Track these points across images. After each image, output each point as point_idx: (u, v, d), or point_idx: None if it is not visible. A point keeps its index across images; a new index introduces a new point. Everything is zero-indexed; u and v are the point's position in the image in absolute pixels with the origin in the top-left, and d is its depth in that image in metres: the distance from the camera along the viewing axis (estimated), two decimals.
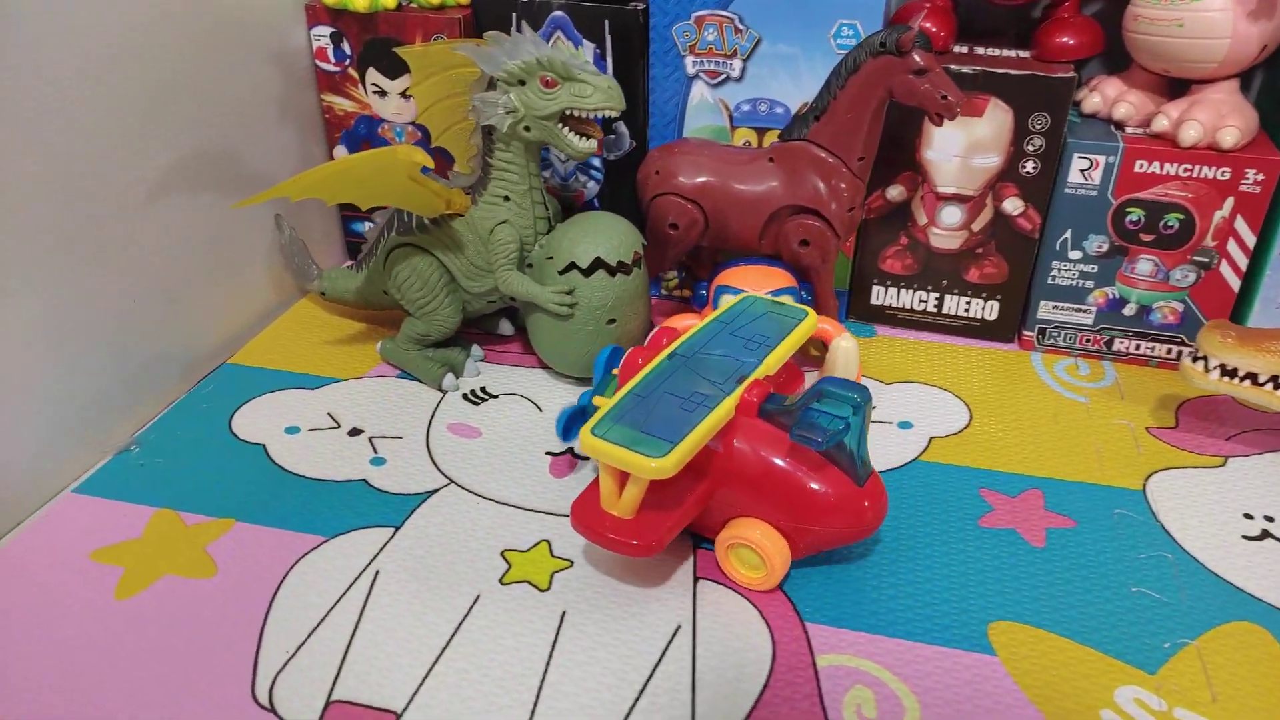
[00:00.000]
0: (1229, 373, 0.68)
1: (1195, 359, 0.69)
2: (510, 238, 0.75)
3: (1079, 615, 0.59)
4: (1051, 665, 0.55)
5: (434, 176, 0.74)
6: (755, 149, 0.80)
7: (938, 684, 0.54)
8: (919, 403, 0.79)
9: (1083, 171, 0.77)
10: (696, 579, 0.62)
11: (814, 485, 0.57)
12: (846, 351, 0.74)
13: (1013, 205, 0.81)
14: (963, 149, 0.79)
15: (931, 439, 0.75)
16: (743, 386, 0.60)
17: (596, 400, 0.63)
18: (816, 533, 0.58)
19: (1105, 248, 0.80)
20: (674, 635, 0.57)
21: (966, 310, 0.87)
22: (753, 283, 0.75)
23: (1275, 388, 0.67)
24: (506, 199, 0.75)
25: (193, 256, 0.81)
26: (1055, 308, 0.84)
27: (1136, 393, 0.80)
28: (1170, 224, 0.77)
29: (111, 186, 0.72)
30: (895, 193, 0.83)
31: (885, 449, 0.73)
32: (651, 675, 0.55)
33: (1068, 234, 0.80)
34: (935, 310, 0.88)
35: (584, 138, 0.72)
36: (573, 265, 0.74)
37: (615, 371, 0.67)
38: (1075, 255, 0.81)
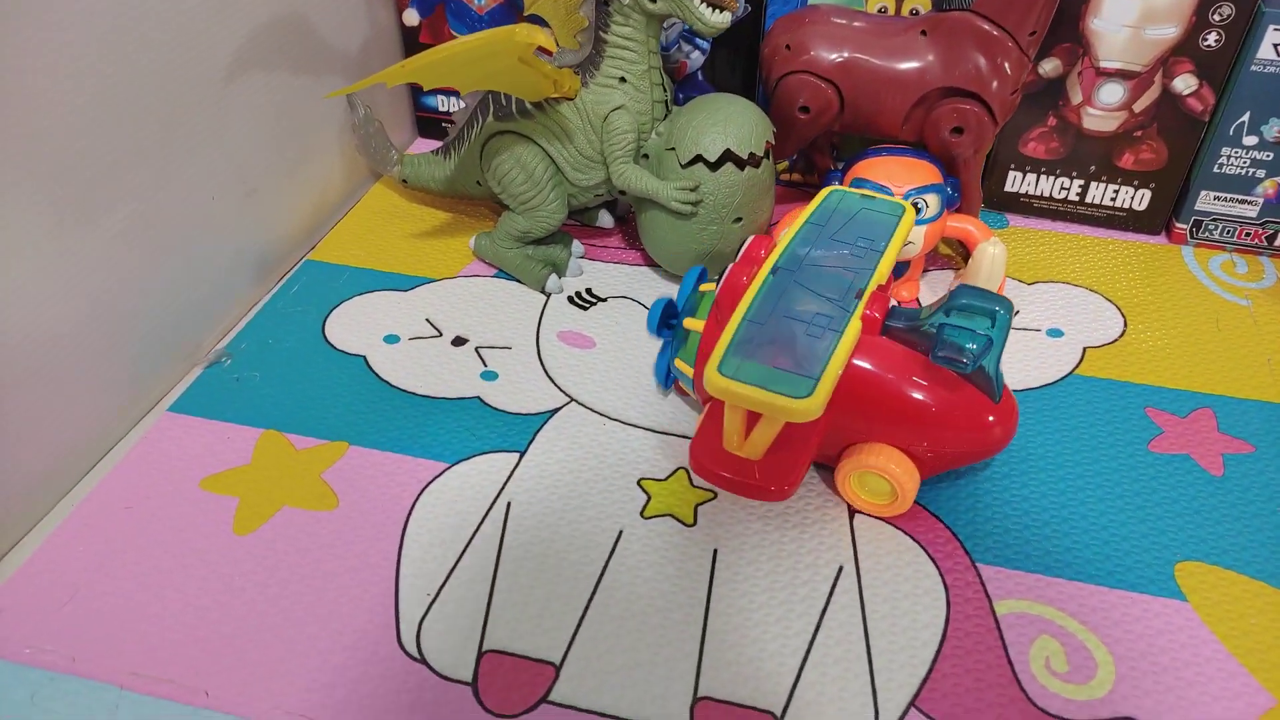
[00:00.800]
0: None
1: None
2: (627, 126, 0.68)
3: (1272, 555, 0.54)
4: (1249, 612, 0.51)
5: (542, 55, 0.66)
6: (904, 19, 0.70)
7: (1129, 633, 0.50)
8: (1066, 306, 0.72)
9: (1276, 46, 0.68)
10: (853, 512, 0.57)
11: (945, 405, 0.53)
12: (994, 259, 0.67)
13: (1184, 83, 0.72)
14: (1136, 18, 0.70)
15: (1085, 349, 0.69)
16: (862, 301, 0.54)
17: (688, 323, 0.58)
18: (946, 454, 0.54)
19: None
20: (837, 578, 0.54)
21: (1114, 199, 0.79)
22: (895, 176, 0.67)
23: None
24: (623, 80, 0.67)
25: (266, 142, 0.74)
26: (1217, 198, 0.76)
27: None
28: None
29: (185, 78, 0.64)
30: (1050, 67, 0.74)
31: (1038, 361, 0.68)
32: (820, 623, 0.51)
33: (1246, 116, 0.71)
34: (1078, 199, 0.80)
35: (716, 9, 0.63)
36: (699, 158, 0.67)
37: (705, 288, 0.61)
38: (1250, 141, 0.72)
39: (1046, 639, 0.50)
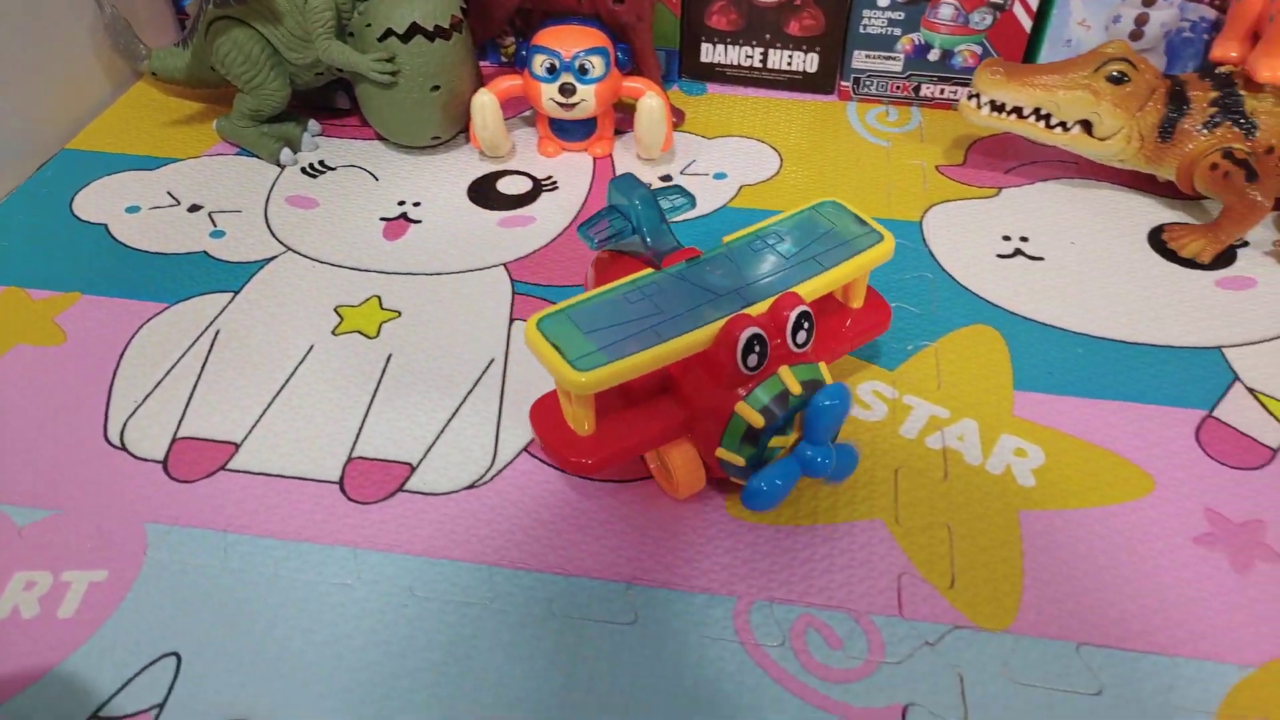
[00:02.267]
0: (998, 108, 0.74)
1: (970, 96, 0.75)
2: (325, 5, 0.76)
3: None
4: None
5: None
6: None
7: None
8: (735, 155, 0.84)
9: None
10: (512, 320, 0.68)
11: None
12: (650, 110, 0.78)
13: None
14: None
15: (742, 187, 0.81)
16: (727, 319, 0.50)
17: (741, 409, 0.50)
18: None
19: None
20: (488, 366, 0.65)
21: (789, 64, 0.91)
22: (566, 42, 0.77)
23: (1038, 120, 0.74)
24: None
25: (16, 42, 0.80)
26: (868, 56, 0.88)
27: (936, 135, 0.86)
28: None
29: None
30: None
31: (700, 198, 0.79)
32: (465, 398, 0.62)
33: None
34: (761, 65, 0.91)
35: None
36: (390, 32, 0.76)
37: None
38: (884, 3, 0.84)
39: None
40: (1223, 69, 0.72)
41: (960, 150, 0.84)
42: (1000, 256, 0.73)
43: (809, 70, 0.91)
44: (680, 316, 0.51)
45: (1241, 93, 0.70)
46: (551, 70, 0.77)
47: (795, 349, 0.50)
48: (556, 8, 0.82)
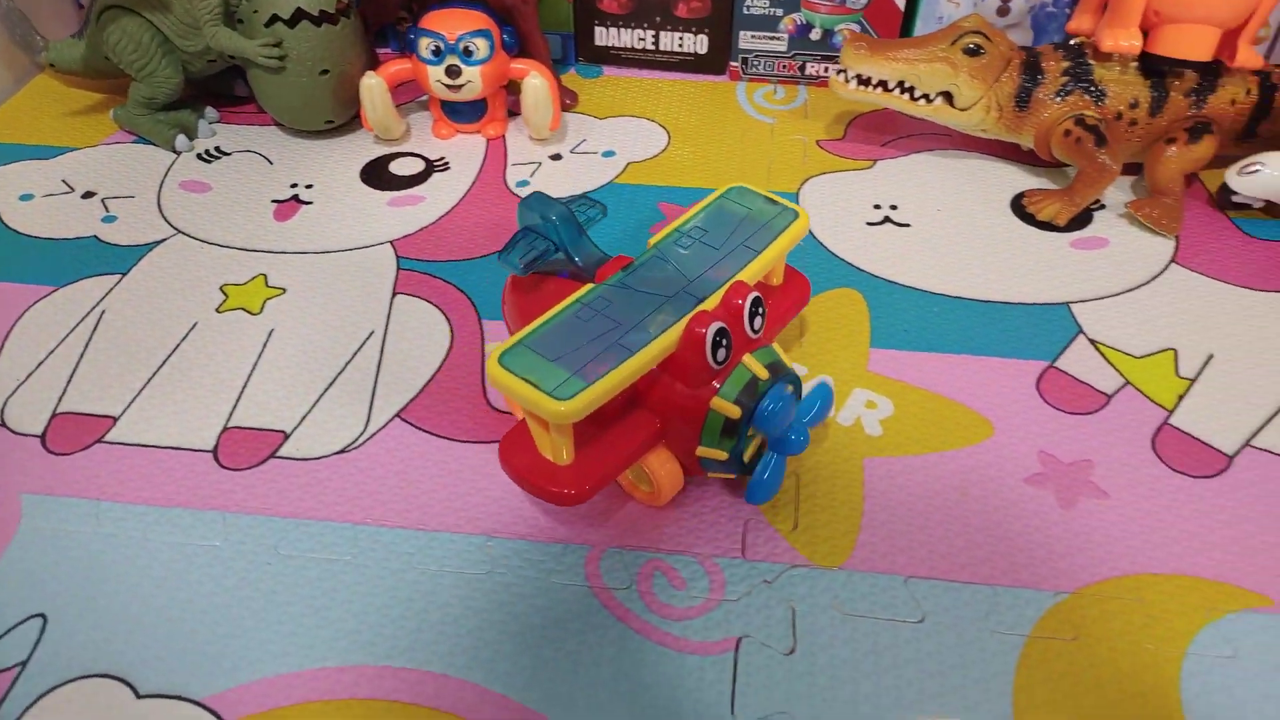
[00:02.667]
0: (865, 82, 0.77)
1: (839, 72, 0.78)
2: None
3: None
4: None
5: None
6: None
7: None
8: (625, 134, 0.87)
9: None
10: (394, 293, 0.70)
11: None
12: (535, 89, 0.80)
13: None
14: None
15: (629, 163, 0.83)
16: (687, 317, 0.50)
17: (718, 404, 0.50)
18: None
19: None
20: (367, 338, 0.67)
21: (680, 45, 0.93)
22: (450, 25, 0.79)
23: (902, 93, 0.77)
24: None
25: None
26: (753, 37, 0.91)
27: (820, 112, 0.89)
28: None
29: None
30: None
31: (587, 175, 0.82)
32: (344, 369, 0.64)
33: None
34: (653, 47, 0.94)
35: None
36: (276, 18, 0.77)
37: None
38: None
39: None
40: (1075, 40, 0.76)
41: (841, 126, 0.87)
42: (870, 224, 0.76)
43: (700, 52, 0.93)
44: (639, 325, 0.50)
45: (1091, 62, 0.74)
46: (437, 53, 0.79)
47: (753, 335, 0.51)
48: None
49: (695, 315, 0.50)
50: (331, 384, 0.63)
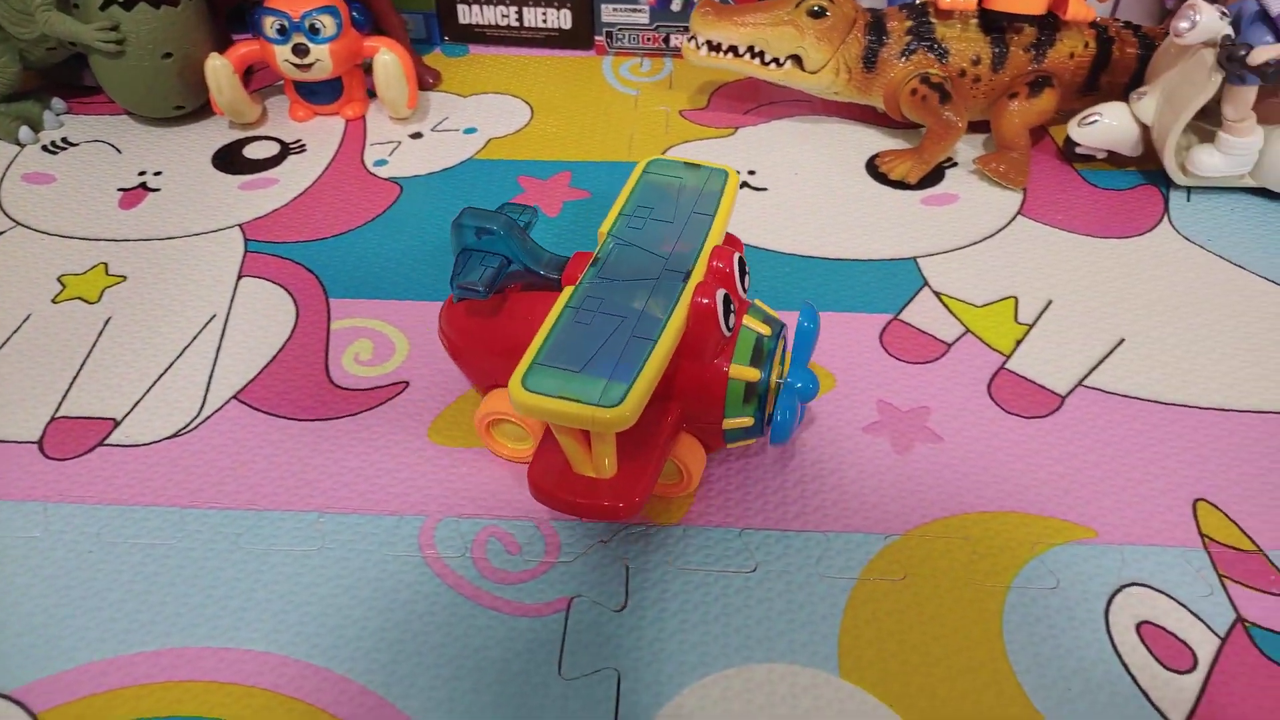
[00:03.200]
0: (715, 48, 0.77)
1: (689, 38, 0.78)
2: None
3: None
4: None
5: None
6: None
7: (430, 328, 0.64)
8: (488, 110, 0.86)
9: None
10: (240, 277, 0.69)
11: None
12: (386, 65, 0.78)
13: None
14: None
15: (490, 139, 0.82)
16: (688, 289, 0.48)
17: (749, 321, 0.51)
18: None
19: None
20: (208, 322, 0.65)
21: (544, 21, 0.92)
22: (293, 2, 0.77)
23: (753, 57, 0.77)
24: None
25: None
26: (615, 10, 0.90)
27: (684, 82, 0.89)
28: None
29: None
30: None
31: (445, 152, 0.81)
32: (180, 355, 0.63)
33: None
34: (518, 24, 0.93)
35: None
36: (111, 0, 0.75)
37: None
38: None
39: (363, 341, 0.64)
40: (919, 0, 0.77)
41: (705, 95, 0.87)
42: None
43: (564, 27, 0.93)
44: (643, 313, 0.47)
45: (933, 20, 0.75)
46: (282, 31, 0.78)
47: (743, 295, 0.51)
48: None
49: (697, 288, 0.48)
50: (167, 369, 0.62)
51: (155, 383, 0.61)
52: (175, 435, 0.58)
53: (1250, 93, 0.67)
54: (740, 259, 0.51)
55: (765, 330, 0.50)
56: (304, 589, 0.50)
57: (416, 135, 0.83)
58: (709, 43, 0.77)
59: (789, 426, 0.50)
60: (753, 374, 0.49)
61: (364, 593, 0.50)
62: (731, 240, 0.57)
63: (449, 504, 0.54)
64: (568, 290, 0.49)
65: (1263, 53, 0.64)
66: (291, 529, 0.53)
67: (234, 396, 0.60)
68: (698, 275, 0.49)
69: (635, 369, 0.45)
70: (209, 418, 0.59)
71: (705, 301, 0.48)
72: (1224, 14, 0.66)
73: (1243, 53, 0.64)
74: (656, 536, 0.52)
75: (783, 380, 0.51)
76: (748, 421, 0.50)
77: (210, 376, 0.61)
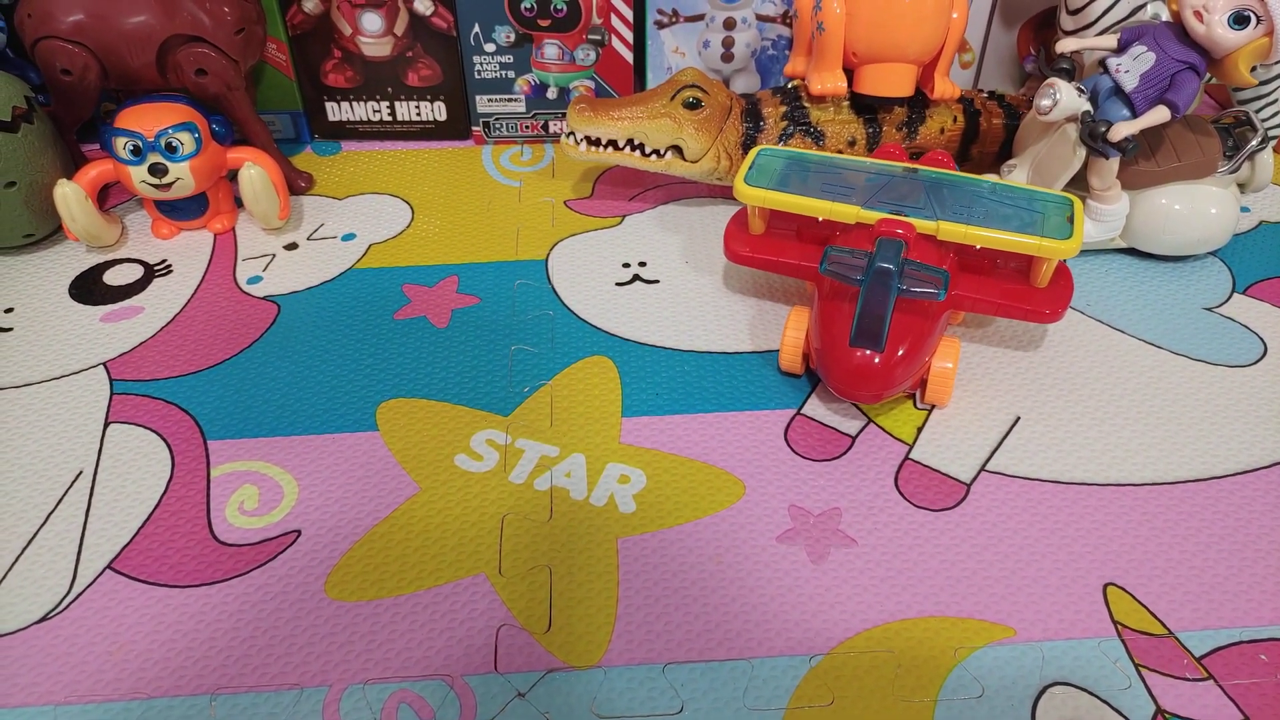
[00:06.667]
0: (594, 142, 0.76)
1: (567, 134, 0.77)
2: None
3: (459, 380, 0.67)
4: (421, 428, 0.63)
5: None
6: None
7: (319, 466, 0.61)
8: (366, 212, 0.83)
9: None
10: (107, 424, 0.64)
11: None
12: (251, 180, 0.75)
13: (423, 5, 0.83)
14: None
15: (370, 245, 0.79)
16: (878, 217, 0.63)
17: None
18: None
19: (513, 37, 0.84)
20: (74, 480, 0.60)
21: (418, 114, 0.90)
22: (147, 121, 0.73)
23: (633, 150, 0.76)
24: None
25: None
26: (490, 100, 0.89)
27: (567, 170, 0.88)
28: (559, 6, 0.83)
29: None
30: (310, 5, 0.83)
31: (324, 263, 0.77)
32: (45, 521, 0.58)
33: (477, 28, 0.84)
34: (390, 119, 0.90)
35: None
36: None
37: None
38: (490, 48, 0.85)
39: (247, 487, 0.60)
40: (792, 84, 0.77)
41: (589, 183, 0.86)
42: (618, 284, 0.75)
43: (439, 119, 0.90)
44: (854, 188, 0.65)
45: (806, 105, 0.76)
46: (136, 152, 0.73)
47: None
48: (143, 86, 0.78)
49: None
50: (31, 541, 0.57)
51: (18, 558, 0.56)
52: (44, 619, 0.53)
53: (1114, 164, 0.69)
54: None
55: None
56: None
57: (292, 246, 0.79)
58: (588, 138, 0.76)
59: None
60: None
61: None
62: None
63: (354, 669, 0.50)
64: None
65: (1122, 129, 0.66)
66: (182, 717, 0.48)
67: (108, 566, 0.55)
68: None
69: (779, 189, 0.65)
70: (81, 594, 0.54)
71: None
72: (1081, 90, 0.68)
73: (1103, 129, 0.66)
74: (576, 683, 0.50)
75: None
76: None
77: (80, 545, 0.56)
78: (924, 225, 0.61)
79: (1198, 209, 0.73)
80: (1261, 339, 0.70)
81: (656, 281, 0.75)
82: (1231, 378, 0.67)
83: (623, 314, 0.72)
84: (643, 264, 0.77)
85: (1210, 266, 0.76)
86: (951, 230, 0.61)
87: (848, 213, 0.63)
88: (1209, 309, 0.72)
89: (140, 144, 0.73)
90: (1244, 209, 0.82)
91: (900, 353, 0.60)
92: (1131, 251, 0.77)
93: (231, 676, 0.50)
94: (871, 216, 0.62)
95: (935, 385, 0.63)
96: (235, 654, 0.51)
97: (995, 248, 0.62)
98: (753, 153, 0.68)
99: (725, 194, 0.84)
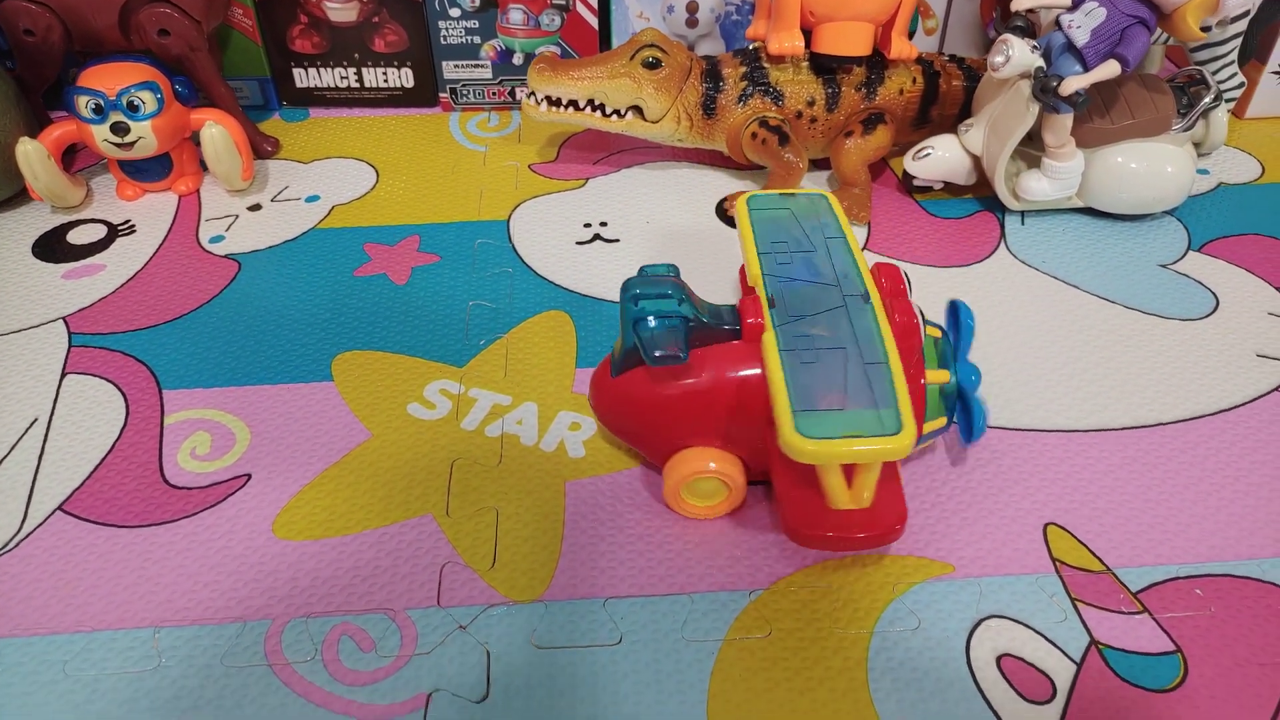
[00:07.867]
0: (555, 103, 0.77)
1: (529, 95, 0.77)
2: None
3: (415, 334, 0.67)
4: (375, 378, 0.64)
5: None
6: None
7: (271, 414, 0.61)
8: (332, 175, 0.83)
9: None
10: (65, 374, 0.64)
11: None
12: (212, 139, 0.75)
13: None
14: None
15: (334, 207, 0.80)
16: (878, 303, 0.51)
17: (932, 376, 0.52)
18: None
19: (478, 2, 0.85)
20: (28, 428, 0.61)
21: (385, 81, 0.91)
22: (109, 80, 0.73)
23: (594, 110, 0.77)
24: None
25: None
26: (456, 66, 0.89)
27: (533, 135, 0.88)
28: None
29: None
30: None
31: (286, 224, 0.78)
32: None
33: None
34: (358, 85, 0.91)
35: None
36: None
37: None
38: (455, 13, 0.86)
39: (200, 433, 0.60)
40: (752, 45, 0.78)
41: (554, 147, 0.87)
42: (579, 243, 0.75)
43: (407, 85, 0.91)
44: (856, 341, 0.49)
45: (766, 66, 0.76)
46: (98, 110, 0.74)
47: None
48: (106, 48, 0.78)
49: (893, 306, 0.51)
50: None
51: None
52: None
53: (1067, 120, 0.70)
54: (905, 274, 0.55)
55: (938, 334, 0.54)
56: (139, 714, 0.46)
57: (255, 207, 0.80)
58: (548, 98, 0.76)
59: (985, 416, 0.54)
60: (945, 376, 0.52)
61: (207, 713, 0.46)
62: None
63: (297, 604, 0.51)
64: (768, 339, 0.49)
65: (1072, 83, 0.66)
66: (124, 649, 0.49)
67: (58, 508, 0.56)
68: (875, 294, 0.52)
69: (891, 392, 0.46)
70: (30, 534, 0.54)
71: (911, 320, 0.50)
72: (1035, 47, 0.69)
73: (1054, 84, 0.67)
74: (517, 616, 0.50)
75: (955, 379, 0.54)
76: (941, 423, 0.53)
77: (31, 488, 0.57)
78: (768, 332, 0.50)
79: (1154, 168, 0.73)
80: (1214, 293, 0.70)
81: (617, 240, 0.76)
82: (1182, 331, 0.67)
83: (582, 271, 0.73)
84: (604, 224, 0.77)
85: (1167, 225, 0.77)
86: (769, 343, 0.49)
87: (755, 273, 0.54)
88: (1164, 265, 0.73)
89: (102, 102, 0.73)
90: (1203, 171, 0.82)
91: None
92: (1089, 211, 0.77)
93: (176, 611, 0.50)
94: (759, 285, 0.53)
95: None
96: (180, 590, 0.51)
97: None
98: (804, 444, 0.45)
99: (690, 156, 0.84)
